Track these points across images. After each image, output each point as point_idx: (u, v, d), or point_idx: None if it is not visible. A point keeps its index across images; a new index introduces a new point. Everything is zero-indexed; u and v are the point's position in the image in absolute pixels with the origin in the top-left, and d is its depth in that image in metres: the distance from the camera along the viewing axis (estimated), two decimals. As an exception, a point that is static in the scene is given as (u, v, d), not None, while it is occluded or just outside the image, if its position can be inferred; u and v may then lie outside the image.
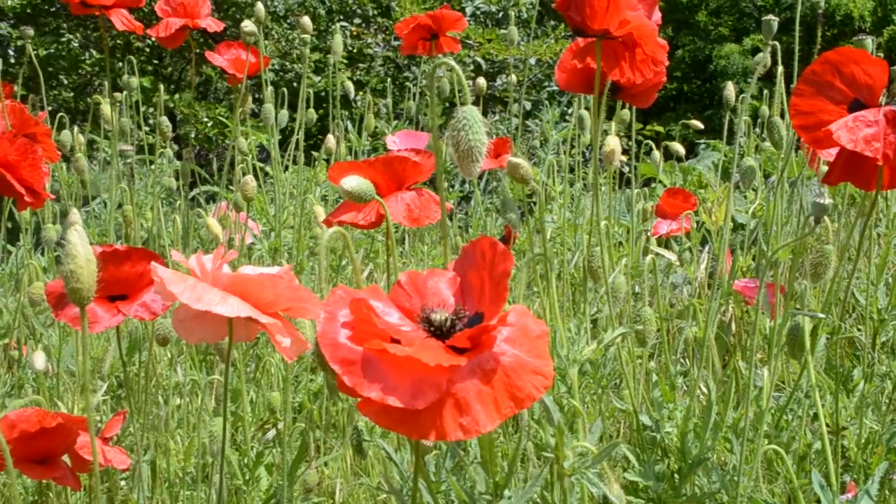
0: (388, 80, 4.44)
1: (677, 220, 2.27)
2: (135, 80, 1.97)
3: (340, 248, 2.27)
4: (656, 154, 2.06)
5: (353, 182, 1.00)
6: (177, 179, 2.32)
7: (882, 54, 1.55)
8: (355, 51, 6.46)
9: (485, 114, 5.73)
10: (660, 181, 2.84)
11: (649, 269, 1.27)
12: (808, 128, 1.04)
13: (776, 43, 1.67)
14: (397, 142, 2.28)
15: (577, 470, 0.82)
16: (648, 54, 1.10)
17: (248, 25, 1.88)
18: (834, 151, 1.09)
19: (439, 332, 0.73)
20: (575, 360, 1.09)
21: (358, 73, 6.38)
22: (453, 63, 0.77)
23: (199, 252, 1.01)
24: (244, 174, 2.03)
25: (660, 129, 5.52)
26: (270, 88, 2.04)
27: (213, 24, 2.09)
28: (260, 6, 2.18)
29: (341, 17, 6.62)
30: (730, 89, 1.90)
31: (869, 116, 0.99)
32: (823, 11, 10.14)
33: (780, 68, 1.40)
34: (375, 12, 6.53)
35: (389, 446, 1.09)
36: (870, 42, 1.27)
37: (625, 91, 1.30)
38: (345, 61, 6.78)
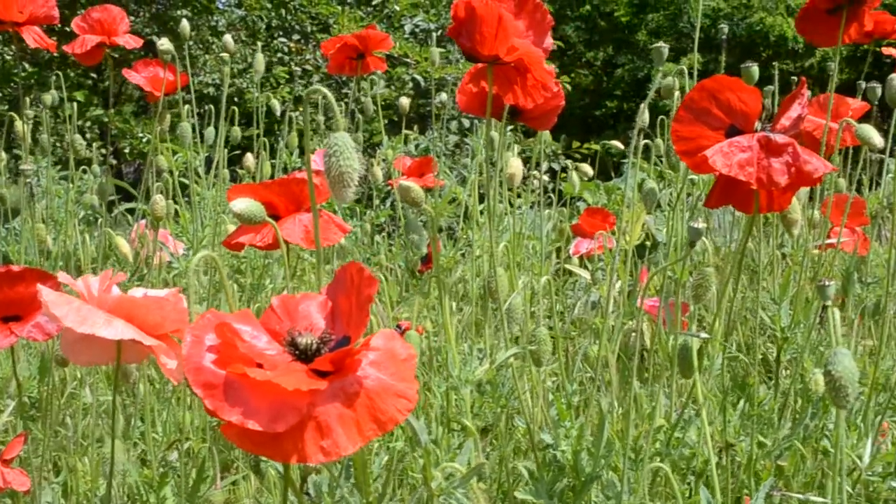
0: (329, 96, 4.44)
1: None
2: (48, 97, 1.95)
3: (261, 266, 2.27)
4: (574, 174, 2.09)
5: (242, 205, 1.01)
6: (117, 194, 2.30)
7: (815, 73, 1.61)
8: (294, 66, 6.46)
9: (423, 131, 5.76)
10: (584, 199, 2.88)
11: (544, 290, 1.30)
12: (689, 153, 1.07)
13: (683, 67, 1.71)
14: (318, 160, 2.28)
15: (445, 490, 0.83)
16: (538, 79, 1.12)
17: (163, 44, 1.87)
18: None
19: (304, 356, 0.74)
20: (467, 381, 1.10)
21: (297, 88, 6.38)
22: (325, 91, 0.79)
23: (87, 274, 1.01)
24: (161, 192, 2.03)
25: (596, 147, 5.59)
26: (187, 107, 2.03)
27: (131, 41, 2.08)
28: (185, 24, 2.18)
29: (280, 33, 6.61)
30: (642, 111, 1.94)
31: (743, 142, 1.02)
32: (759, 31, 10.37)
33: (677, 93, 1.43)
34: (314, 28, 6.53)
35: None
36: (755, 70, 1.31)
37: (524, 115, 1.33)
38: (286, 76, 6.77)
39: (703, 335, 1.10)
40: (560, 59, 10.43)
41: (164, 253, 2.03)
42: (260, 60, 2.24)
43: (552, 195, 2.40)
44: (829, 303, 1.01)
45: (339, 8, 6.19)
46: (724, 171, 1.01)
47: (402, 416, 0.71)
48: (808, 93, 1.08)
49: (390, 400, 0.71)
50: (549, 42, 1.15)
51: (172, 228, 2.54)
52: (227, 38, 2.23)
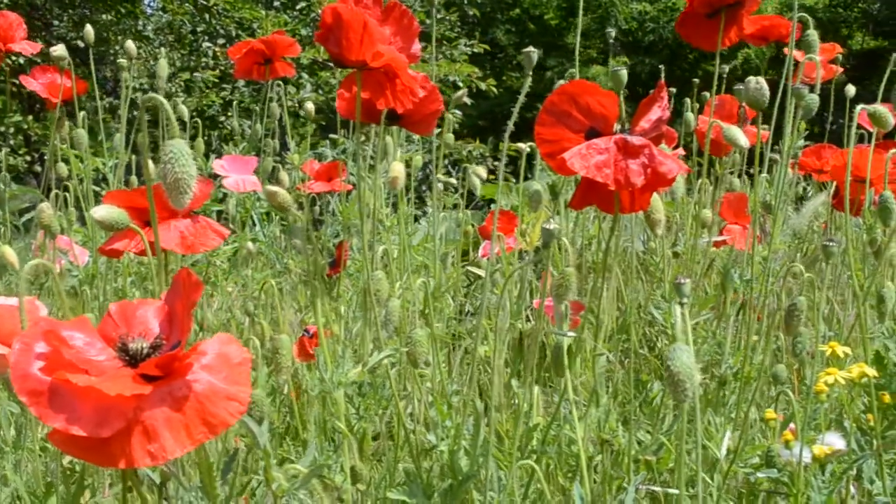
0: (254, 100, 4.42)
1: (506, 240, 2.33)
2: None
3: (153, 273, 2.25)
4: (472, 176, 2.11)
5: (102, 211, 1.01)
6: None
7: (739, 74, 1.65)
8: (218, 71, 6.42)
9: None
10: (493, 200, 2.90)
11: (422, 290, 1.31)
12: (552, 154, 1.09)
13: (574, 71, 1.74)
14: (225, 166, 2.28)
15: (288, 491, 0.84)
16: (406, 85, 1.13)
17: (56, 50, 1.85)
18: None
19: (135, 361, 0.74)
20: (340, 383, 1.11)
21: (224, 92, 6.33)
22: (162, 98, 0.79)
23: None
24: (63, 200, 2.01)
25: (521, 147, 5.62)
26: (83, 113, 2.01)
27: (28, 48, 2.06)
28: (89, 28, 2.16)
29: (206, 38, 6.56)
30: (514, 115, 1.97)
31: (601, 144, 1.04)
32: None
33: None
34: (240, 33, 6.49)
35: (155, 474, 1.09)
36: (624, 73, 1.33)
37: (403, 119, 1.34)
38: (215, 80, 6.72)
39: (571, 334, 1.12)
40: (491, 61, 10.47)
41: (62, 260, 2.00)
42: (163, 66, 2.22)
43: (463, 198, 2.42)
44: (684, 300, 1.03)
45: (263, 13, 6.16)
46: (582, 173, 1.03)
47: (233, 419, 0.72)
48: (666, 95, 1.10)
49: (221, 403, 0.72)
50: (418, 48, 1.16)
51: (83, 235, 2.50)
52: (129, 43, 2.21)
